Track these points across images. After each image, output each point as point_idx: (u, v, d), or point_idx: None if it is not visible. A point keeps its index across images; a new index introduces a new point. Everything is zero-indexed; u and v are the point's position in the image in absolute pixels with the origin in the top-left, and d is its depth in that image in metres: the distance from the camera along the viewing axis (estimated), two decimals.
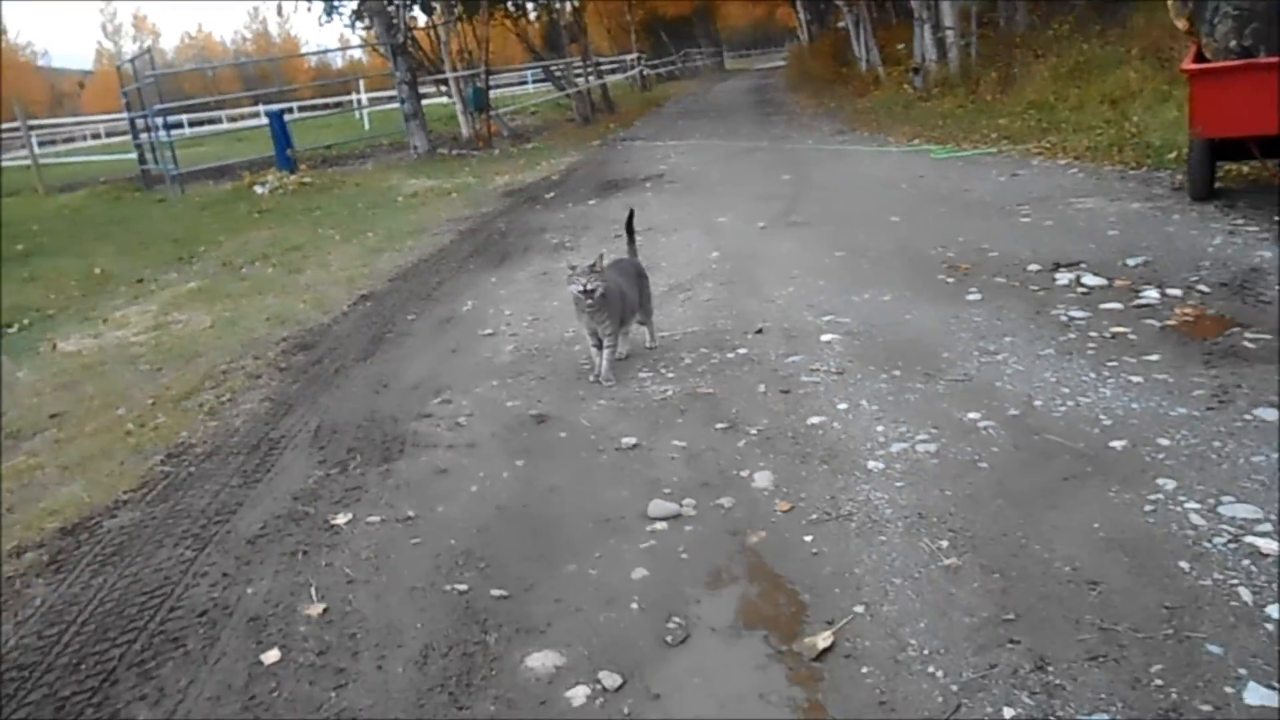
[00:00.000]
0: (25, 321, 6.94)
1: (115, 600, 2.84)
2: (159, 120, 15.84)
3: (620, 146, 16.41)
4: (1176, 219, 6.09)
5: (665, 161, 13.02)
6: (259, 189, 14.02)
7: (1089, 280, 4.98)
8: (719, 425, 3.62)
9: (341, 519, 3.19)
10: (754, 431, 3.52)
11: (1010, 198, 7.48)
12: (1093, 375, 3.67)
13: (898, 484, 2.98)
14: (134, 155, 18.79)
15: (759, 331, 4.72)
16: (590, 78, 25.67)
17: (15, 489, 3.81)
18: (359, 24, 21.98)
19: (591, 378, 4.26)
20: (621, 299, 4.23)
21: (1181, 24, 6.39)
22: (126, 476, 3.79)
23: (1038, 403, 3.47)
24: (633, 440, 3.54)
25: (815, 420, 3.55)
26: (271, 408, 4.43)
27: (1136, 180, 7.68)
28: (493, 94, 21.59)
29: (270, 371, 5.02)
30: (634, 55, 37.19)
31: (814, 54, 35.13)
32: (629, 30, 39.23)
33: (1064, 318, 4.43)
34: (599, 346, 4.23)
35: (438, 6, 21.03)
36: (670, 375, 4.24)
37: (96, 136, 41.93)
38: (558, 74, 25.85)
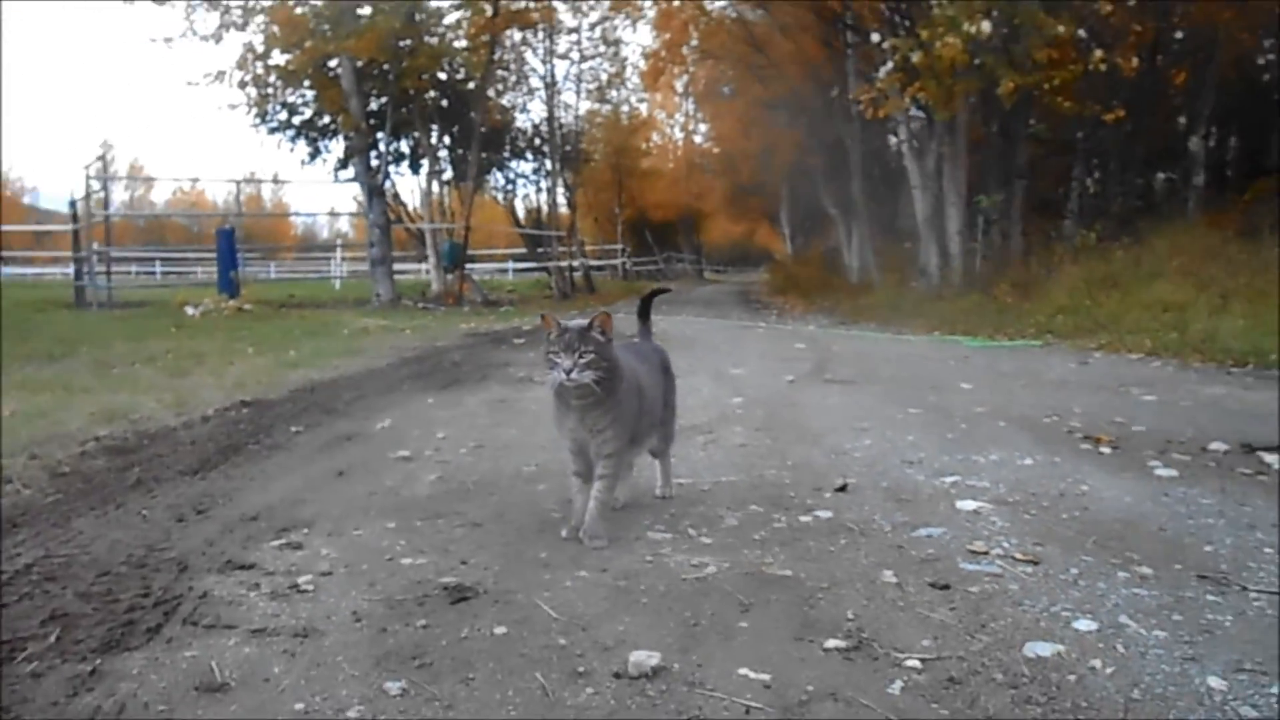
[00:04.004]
0: None
1: None
2: (95, 261, 14.42)
3: None
4: None
5: (655, 326, 11.47)
6: (190, 310, 12.24)
7: None
8: (830, 642, 1.72)
9: None
10: (913, 663, 1.63)
11: (1103, 380, 5.88)
12: None
13: None
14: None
15: (842, 488, 2.89)
16: (574, 252, 24.74)
17: None
18: (341, 172, 21.01)
19: (565, 531, 2.38)
20: (639, 398, 2.41)
21: None
22: None
23: None
24: (652, 659, 1.62)
25: (1043, 651, 1.67)
26: None
27: (1252, 376, 6.14)
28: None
29: (33, 477, 3.07)
30: (620, 247, 36.96)
31: (800, 263, 34.92)
32: (615, 224, 39.20)
33: None
34: (585, 476, 2.37)
35: (425, 163, 20.11)
36: (707, 541, 2.36)
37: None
38: (540, 250, 24.85)
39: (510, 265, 35.74)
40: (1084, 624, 1.78)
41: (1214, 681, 1.54)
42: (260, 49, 16.11)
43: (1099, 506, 2.66)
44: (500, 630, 1.77)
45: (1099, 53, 11.51)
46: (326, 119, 19.16)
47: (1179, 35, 14.31)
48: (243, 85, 17.14)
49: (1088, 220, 14.56)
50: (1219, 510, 2.63)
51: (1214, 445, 3.67)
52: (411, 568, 2.14)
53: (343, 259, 32.91)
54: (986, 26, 11.16)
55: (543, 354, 2.23)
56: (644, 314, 2.97)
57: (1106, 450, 3.56)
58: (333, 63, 16.19)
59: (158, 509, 2.65)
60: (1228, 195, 13.90)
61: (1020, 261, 14.12)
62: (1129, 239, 12.77)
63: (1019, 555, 2.19)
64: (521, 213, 27.52)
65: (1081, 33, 11.96)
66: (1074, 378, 6.11)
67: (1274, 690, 1.49)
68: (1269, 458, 3.47)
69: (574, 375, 2.16)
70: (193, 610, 1.85)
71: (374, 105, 17.66)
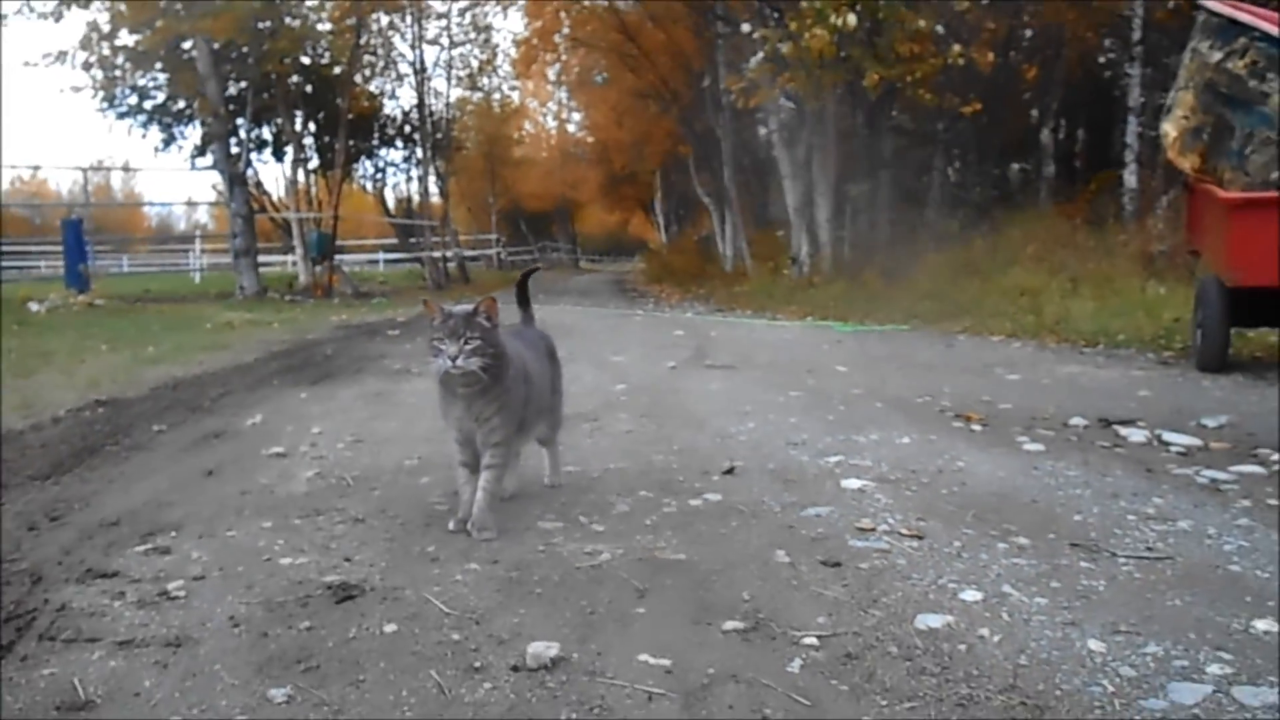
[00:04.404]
0: None
1: None
2: None
3: None
4: (1207, 385, 4.81)
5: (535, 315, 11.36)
6: (34, 306, 11.45)
7: (1173, 438, 3.46)
8: (728, 624, 1.72)
9: None
10: (810, 641, 1.65)
11: (969, 361, 6.13)
12: None
13: None
14: None
15: (729, 471, 2.91)
16: (448, 242, 24.24)
17: None
18: (199, 160, 19.98)
19: (453, 524, 2.31)
20: (526, 385, 2.36)
21: (1189, 162, 5.33)
22: None
23: None
24: (551, 650, 1.59)
25: (934, 623, 1.71)
26: None
27: (1102, 355, 6.51)
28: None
29: None
30: (494, 236, 36.48)
31: (675, 252, 35.15)
32: (489, 213, 38.64)
33: (1201, 479, 2.83)
34: (472, 466, 2.31)
35: (290, 151, 19.32)
36: (599, 529, 2.34)
37: None
38: (412, 240, 24.26)
39: (381, 256, 34.63)
40: (970, 594, 1.84)
41: (1094, 644, 1.61)
42: (106, 28, 15.15)
43: (975, 481, 2.76)
44: (390, 628, 1.71)
45: (957, 48, 11.97)
46: (182, 103, 18.13)
47: (1029, 33, 15.03)
48: (87, 67, 16.05)
49: (949, 209, 15.17)
50: (1084, 481, 2.77)
51: (1074, 420, 3.86)
52: (292, 568, 2.04)
53: (202, 251, 31.29)
54: (852, 19, 11.46)
55: (427, 341, 2.16)
56: (523, 300, 2.93)
57: (977, 428, 3.70)
58: (187, 44, 15.36)
59: (5, 517, 2.45)
60: (1076, 185, 14.69)
61: (887, 249, 14.58)
62: (987, 227, 13.35)
63: (904, 531, 2.25)
64: (392, 202, 26.74)
65: (940, 28, 12.42)
66: (941, 360, 6.34)
67: (1149, 649, 1.57)
68: (1124, 430, 3.68)
69: (460, 362, 2.10)
70: (50, 624, 1.71)
71: (233, 89, 16.85)
